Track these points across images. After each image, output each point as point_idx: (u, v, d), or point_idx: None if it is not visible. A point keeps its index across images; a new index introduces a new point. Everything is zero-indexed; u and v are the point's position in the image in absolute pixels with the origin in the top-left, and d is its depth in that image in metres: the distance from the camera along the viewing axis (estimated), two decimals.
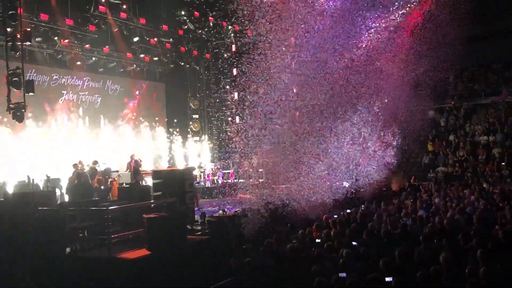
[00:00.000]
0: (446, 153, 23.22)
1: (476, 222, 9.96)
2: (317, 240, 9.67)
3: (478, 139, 23.31)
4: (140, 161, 18.02)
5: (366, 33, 16.47)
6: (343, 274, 7.29)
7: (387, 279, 6.89)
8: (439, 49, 19.40)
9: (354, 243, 9.20)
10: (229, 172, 22.42)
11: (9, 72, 14.51)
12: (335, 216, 12.18)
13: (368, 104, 17.17)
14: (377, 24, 16.77)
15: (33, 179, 15.16)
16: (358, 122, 16.64)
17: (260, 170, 16.47)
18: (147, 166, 19.65)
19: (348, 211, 13.50)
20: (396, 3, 17.24)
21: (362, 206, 14.43)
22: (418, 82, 19.71)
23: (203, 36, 23.61)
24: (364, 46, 16.68)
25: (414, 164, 23.48)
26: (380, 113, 18.08)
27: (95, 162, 16.66)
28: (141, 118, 23.82)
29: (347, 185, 17.46)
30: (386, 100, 17.89)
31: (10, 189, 14.68)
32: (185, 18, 22.75)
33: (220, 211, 14.86)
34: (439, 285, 6.81)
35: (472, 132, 23.91)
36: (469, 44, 23.90)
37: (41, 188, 15.10)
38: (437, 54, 19.22)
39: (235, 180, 20.62)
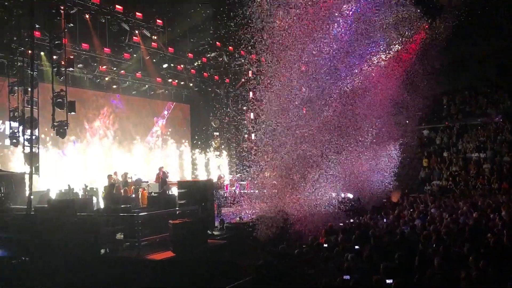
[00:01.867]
0: (440, 168, 22.93)
1: (468, 231, 9.78)
2: (325, 245, 9.56)
3: (469, 156, 23.00)
4: (167, 172, 18.05)
5: (365, 62, 16.46)
6: (347, 276, 7.18)
7: (388, 281, 6.77)
8: (432, 75, 19.35)
9: (356, 247, 9.09)
10: (245, 183, 22.31)
11: (54, 94, 14.70)
12: (341, 224, 12.04)
13: (371, 122, 17.09)
14: (374, 56, 16.76)
15: (73, 188, 15.28)
16: (363, 139, 16.54)
17: (273, 182, 16.37)
18: (173, 177, 19.68)
19: (351, 220, 13.36)
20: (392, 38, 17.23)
21: (366, 216, 14.24)
22: (414, 105, 19.63)
23: (224, 63, 23.75)
24: (364, 73, 16.67)
25: (411, 178, 23.19)
26: (381, 132, 17.98)
27: (127, 174, 16.73)
28: (168, 135, 23.94)
29: (351, 196, 17.31)
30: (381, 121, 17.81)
31: (53, 197, 14.80)
32: (207, 48, 22.94)
33: (238, 218, 14.79)
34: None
35: (464, 149, 23.60)
36: (461, 69, 23.85)
37: (80, 196, 15.18)
38: (430, 79, 19.18)
39: (251, 191, 20.50)
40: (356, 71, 16.05)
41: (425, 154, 24.19)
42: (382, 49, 16.90)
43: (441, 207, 14.53)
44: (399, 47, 18.12)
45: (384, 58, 17.14)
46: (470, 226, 10.27)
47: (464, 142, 24.00)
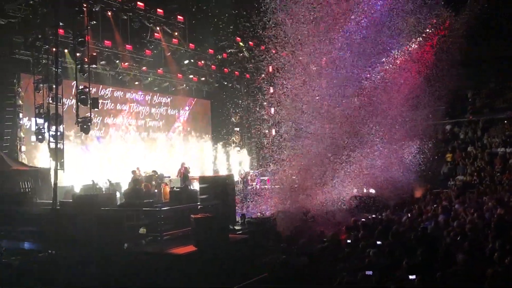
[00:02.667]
0: (464, 163, 22.48)
1: (494, 227, 9.57)
2: (348, 241, 9.49)
3: (495, 150, 22.46)
4: (189, 168, 18.17)
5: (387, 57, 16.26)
6: (369, 272, 7.13)
7: (410, 277, 6.70)
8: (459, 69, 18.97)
9: (378, 242, 9.00)
10: (266, 179, 22.31)
11: (78, 91, 14.95)
12: (363, 219, 11.92)
13: (392, 118, 16.89)
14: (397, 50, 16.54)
15: (97, 183, 15.52)
16: (384, 134, 16.37)
17: (293, 177, 16.31)
18: (194, 172, 19.79)
19: (373, 216, 13.22)
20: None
21: (387, 211, 14.08)
22: (439, 99, 19.30)
23: (244, 58, 23.74)
24: (387, 67, 16.47)
25: (435, 173, 22.80)
26: (403, 127, 17.75)
27: (151, 170, 16.89)
28: (189, 131, 24.10)
29: (373, 192, 17.15)
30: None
31: (77, 192, 15.08)
32: (228, 43, 22.97)
33: (258, 213, 14.81)
34: (458, 285, 6.57)
35: (490, 144, 23.07)
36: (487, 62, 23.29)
37: (104, 191, 15.41)
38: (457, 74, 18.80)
39: (272, 186, 20.49)
40: (377, 64, 15.88)
41: (449, 149, 23.75)
42: (402, 43, 16.67)
43: (465, 202, 14.25)
44: (421, 40, 17.85)
45: (405, 51, 16.91)
46: (496, 222, 10.04)
47: (490, 136, 23.44)
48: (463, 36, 19.15)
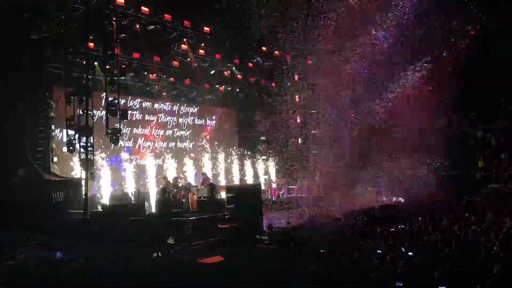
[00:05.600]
0: (498, 171, 21.81)
1: None
2: (378, 251, 9.31)
3: None
4: (207, 175, 18.08)
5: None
6: (400, 283, 6.98)
7: None
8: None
9: (410, 253, 8.80)
10: (293, 188, 22.19)
11: (108, 102, 15.24)
12: (392, 229, 11.68)
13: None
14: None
15: (126, 193, 15.73)
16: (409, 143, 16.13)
17: (320, 185, 16.21)
18: (221, 181, 19.86)
19: (403, 226, 12.92)
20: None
21: (418, 221, 13.75)
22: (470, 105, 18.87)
23: (270, 67, 23.77)
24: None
25: (465, 180, 22.18)
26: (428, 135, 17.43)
27: (177, 178, 16.98)
28: (216, 140, 24.23)
29: (402, 200, 16.84)
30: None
31: (106, 202, 15.30)
32: (254, 53, 23.05)
33: (286, 223, 14.70)
34: None
35: None
36: None
37: (133, 201, 15.58)
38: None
39: (299, 195, 20.37)
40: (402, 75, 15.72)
41: (481, 156, 23.12)
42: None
43: (500, 211, 13.79)
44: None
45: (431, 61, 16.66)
46: None
47: None
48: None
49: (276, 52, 22.52)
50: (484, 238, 9.52)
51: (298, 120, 19.27)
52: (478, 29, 18.33)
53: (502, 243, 8.90)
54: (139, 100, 20.55)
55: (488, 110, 23.42)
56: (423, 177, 17.47)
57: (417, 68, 16.24)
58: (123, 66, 16.29)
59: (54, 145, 16.80)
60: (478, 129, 24.24)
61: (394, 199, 16.70)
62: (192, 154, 22.26)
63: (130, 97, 19.92)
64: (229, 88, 23.35)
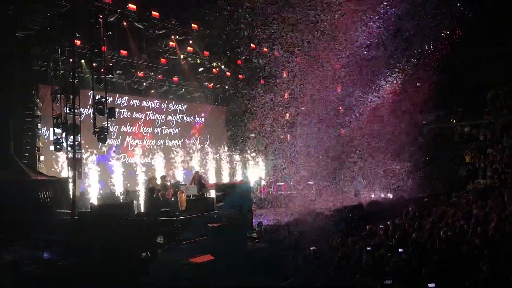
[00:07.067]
0: (485, 166, 22.00)
1: None
2: (367, 248, 9.35)
3: None
4: (202, 174, 18.12)
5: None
6: (389, 281, 7.02)
7: (430, 285, 6.58)
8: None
9: (400, 250, 8.85)
10: (282, 185, 22.22)
11: (95, 101, 15.08)
12: (381, 226, 11.76)
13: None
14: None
15: (114, 192, 15.62)
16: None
17: (309, 182, 16.26)
18: (210, 179, 19.82)
19: (388, 223, 12.98)
20: None
21: (405, 217, 13.86)
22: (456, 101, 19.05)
23: (258, 65, 23.72)
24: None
25: (450, 176, 22.34)
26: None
27: (165, 177, 16.89)
28: (205, 137, 24.17)
29: (390, 197, 16.96)
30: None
31: (94, 201, 15.17)
32: (242, 50, 22.97)
33: (275, 220, 14.73)
34: None
35: (510, 146, 22.55)
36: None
37: (121, 200, 15.48)
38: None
39: (288, 192, 20.40)
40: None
41: (467, 151, 23.31)
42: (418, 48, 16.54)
43: (486, 207, 13.93)
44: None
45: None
46: None
47: (510, 138, 22.91)
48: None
49: (265, 49, 22.47)
50: (471, 233, 9.62)
51: (287, 117, 19.27)
52: (463, 26, 18.49)
53: (489, 239, 8.99)
54: (127, 98, 20.41)
55: (475, 105, 23.66)
56: (409, 173, 17.62)
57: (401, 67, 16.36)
58: (110, 64, 16.12)
59: (40, 143, 16.62)
60: (465, 125, 24.47)
61: (382, 195, 16.80)
62: (181, 152, 22.19)
63: (117, 95, 19.78)
64: (218, 86, 23.27)
